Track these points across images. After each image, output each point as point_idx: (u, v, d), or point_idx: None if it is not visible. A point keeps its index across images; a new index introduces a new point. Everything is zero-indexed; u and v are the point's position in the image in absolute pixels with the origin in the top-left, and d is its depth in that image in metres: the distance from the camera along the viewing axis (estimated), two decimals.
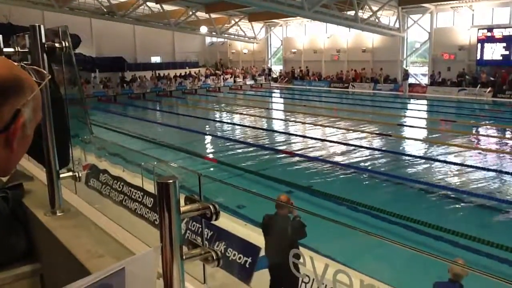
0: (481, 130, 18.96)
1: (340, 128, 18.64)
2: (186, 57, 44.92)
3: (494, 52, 28.45)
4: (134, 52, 41.89)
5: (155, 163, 2.20)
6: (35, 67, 1.17)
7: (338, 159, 13.59)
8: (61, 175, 2.44)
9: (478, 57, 29.29)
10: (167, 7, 34.77)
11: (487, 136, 17.59)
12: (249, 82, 40.95)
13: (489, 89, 28.13)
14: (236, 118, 23.35)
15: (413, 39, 34.40)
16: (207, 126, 20.93)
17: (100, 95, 32.51)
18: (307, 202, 9.44)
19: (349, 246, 5.39)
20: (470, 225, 8.39)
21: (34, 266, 2.34)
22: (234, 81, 40.55)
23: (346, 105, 28.62)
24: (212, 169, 12.86)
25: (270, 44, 45.39)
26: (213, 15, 37.60)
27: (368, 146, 15.28)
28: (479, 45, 28.96)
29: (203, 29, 38.42)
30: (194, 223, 2.17)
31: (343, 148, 15.11)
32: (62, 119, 2.41)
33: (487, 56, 28.84)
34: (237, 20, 40.42)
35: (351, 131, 17.94)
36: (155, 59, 43.62)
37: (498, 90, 27.93)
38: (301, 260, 1.39)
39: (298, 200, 9.12)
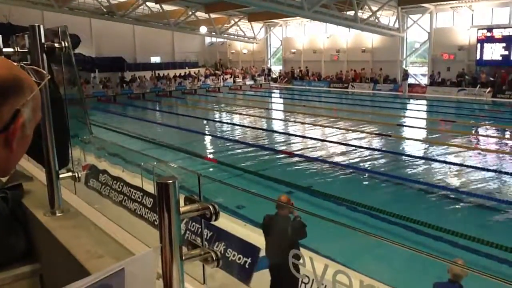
0: (481, 130, 18.97)
1: (339, 128, 18.64)
2: (186, 57, 44.93)
3: (493, 52, 28.47)
4: (133, 52, 41.89)
5: (155, 163, 2.20)
6: (34, 67, 1.17)
7: (337, 159, 13.59)
8: (61, 176, 2.44)
9: (478, 57, 29.30)
10: (167, 7, 34.77)
11: (487, 136, 17.60)
12: (249, 82, 40.96)
13: (489, 89, 28.15)
14: (236, 118, 23.35)
15: (413, 39, 34.43)
16: (207, 126, 20.94)
17: (99, 95, 32.51)
18: (307, 203, 9.44)
19: (349, 247, 5.39)
20: (469, 225, 8.40)
21: (34, 267, 2.33)
22: (234, 81, 40.56)
23: (345, 105, 28.64)
24: (211, 169, 12.86)
25: (270, 44, 45.41)
26: (213, 15, 37.61)
27: (367, 146, 15.29)
28: (478, 45, 28.99)
29: (203, 29, 38.42)
30: (193, 223, 2.16)
31: (343, 148, 15.11)
32: (61, 119, 2.40)
33: (487, 56, 28.86)
34: (236, 20, 40.42)
35: (351, 131, 17.94)
36: (155, 59, 43.63)
37: (498, 90, 27.95)
38: (301, 260, 1.39)
39: (298, 201, 9.13)
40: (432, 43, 32.24)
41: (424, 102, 28.94)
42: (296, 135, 17.88)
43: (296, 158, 13.74)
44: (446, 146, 14.95)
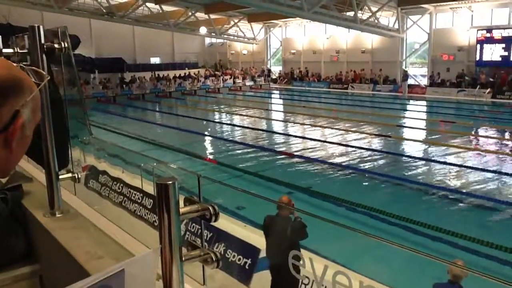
0: (481, 131, 18.98)
1: (339, 129, 18.64)
2: (186, 58, 44.95)
3: (493, 53, 28.49)
4: (133, 53, 41.90)
5: (155, 164, 2.20)
6: (34, 68, 1.17)
7: (337, 160, 13.59)
8: (61, 176, 2.43)
9: (477, 58, 29.32)
10: (167, 8, 34.77)
11: (486, 137, 17.61)
12: (249, 83, 40.99)
13: (488, 90, 28.17)
14: (236, 119, 23.36)
15: (413, 40, 34.45)
16: (207, 127, 20.94)
17: (99, 96, 32.53)
18: (307, 203, 9.44)
19: (349, 247, 5.39)
20: (469, 226, 8.39)
21: (34, 267, 2.33)
22: (234, 82, 40.59)
23: (345, 106, 28.64)
24: (211, 170, 12.86)
25: (270, 45, 45.43)
26: (213, 16, 37.61)
27: (367, 147, 15.29)
28: (478, 46, 29.00)
29: (203, 30, 38.44)
30: (193, 224, 2.16)
31: (343, 149, 15.11)
32: (61, 120, 2.41)
33: (486, 57, 28.88)
34: (236, 21, 40.44)
35: (351, 132, 17.94)
36: (155, 60, 43.65)
37: (497, 91, 27.96)
38: (301, 261, 1.39)
39: (298, 201, 9.13)
40: (432, 44, 32.26)
41: (424, 103, 28.95)
42: (296, 136, 17.88)
43: (296, 159, 13.74)
44: (445, 147, 14.94)
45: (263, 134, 18.59)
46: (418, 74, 34.74)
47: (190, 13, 35.77)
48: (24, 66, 1.14)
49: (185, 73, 40.49)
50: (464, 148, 14.90)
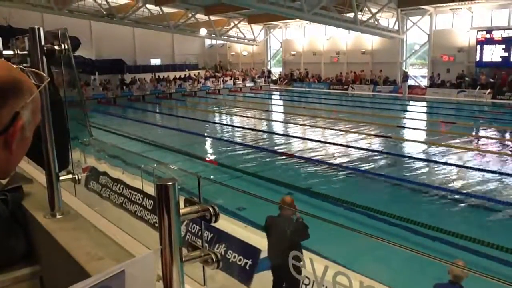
0: (481, 132, 18.97)
1: (339, 130, 18.64)
2: (186, 59, 44.99)
3: (493, 53, 28.50)
4: (133, 54, 41.94)
5: (155, 165, 2.20)
6: (34, 69, 1.18)
7: (337, 160, 13.59)
8: (61, 178, 2.43)
9: (478, 59, 29.33)
10: (167, 10, 34.80)
11: (487, 137, 17.60)
12: (249, 84, 41.00)
13: (489, 90, 28.17)
14: (236, 120, 23.36)
15: (413, 41, 34.47)
16: (207, 128, 20.94)
17: (99, 97, 32.55)
18: (307, 204, 9.43)
19: (349, 248, 5.39)
20: (469, 226, 8.39)
21: (34, 269, 2.33)
22: (234, 83, 40.62)
23: (345, 107, 28.64)
24: (212, 171, 12.86)
25: (270, 46, 45.47)
26: (213, 18, 37.64)
27: (367, 147, 15.29)
28: (478, 47, 29.02)
29: (203, 31, 38.48)
30: (194, 225, 2.17)
31: (343, 149, 15.11)
32: (61, 122, 2.41)
33: (486, 58, 28.89)
34: (236, 22, 40.48)
35: (351, 133, 17.94)
36: (155, 62, 43.68)
37: (498, 92, 27.96)
38: (301, 262, 1.39)
39: (298, 202, 9.12)
40: (432, 45, 32.28)
41: (424, 103, 28.95)
42: (296, 137, 17.87)
43: (296, 160, 13.74)
44: (446, 148, 14.94)
45: (264, 135, 18.59)
46: (418, 75, 34.74)
47: (190, 15, 35.80)
48: (24, 68, 1.14)
49: (185, 75, 40.53)
50: (464, 148, 14.89)
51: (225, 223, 5.37)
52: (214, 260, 1.45)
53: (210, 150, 16.79)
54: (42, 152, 2.30)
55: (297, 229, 4.49)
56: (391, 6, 30.51)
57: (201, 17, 36.96)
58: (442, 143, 15.64)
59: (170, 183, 1.21)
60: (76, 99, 3.01)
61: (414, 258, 1.36)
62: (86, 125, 2.99)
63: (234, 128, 21.09)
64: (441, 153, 14.32)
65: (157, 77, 38.62)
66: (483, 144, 16.18)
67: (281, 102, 34.85)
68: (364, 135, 17.47)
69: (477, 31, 29.07)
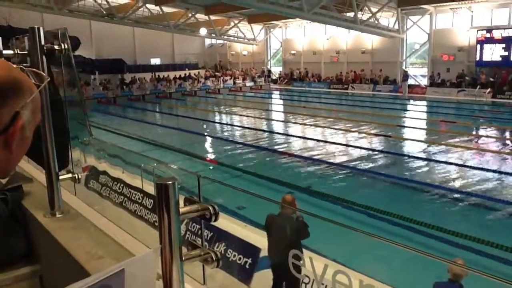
0: (481, 131, 18.97)
1: (339, 129, 18.64)
2: (186, 59, 44.98)
3: (493, 53, 28.49)
4: (133, 54, 41.93)
5: (155, 164, 2.21)
6: (34, 69, 1.18)
7: (337, 160, 13.59)
8: (61, 177, 2.44)
9: (478, 58, 29.32)
10: (167, 9, 34.79)
11: (487, 136, 17.60)
12: (249, 83, 41.00)
13: (489, 90, 28.16)
14: (236, 120, 23.36)
15: (413, 41, 34.46)
16: (207, 128, 20.94)
17: (99, 97, 32.55)
18: (307, 203, 9.44)
19: (349, 247, 5.39)
20: (469, 225, 8.39)
21: (34, 268, 2.34)
22: (234, 83, 40.61)
23: (345, 106, 28.64)
24: (212, 170, 12.87)
25: (270, 46, 45.45)
26: (213, 17, 37.63)
27: (367, 147, 15.29)
28: (478, 46, 29.01)
29: (203, 31, 38.46)
30: (194, 224, 2.17)
31: (343, 149, 15.12)
32: (61, 121, 2.41)
33: (487, 57, 28.88)
34: (236, 22, 40.46)
35: (351, 132, 17.95)
36: (155, 61, 43.67)
37: (498, 91, 27.96)
38: (301, 261, 1.39)
39: (298, 201, 9.12)
40: (432, 44, 32.27)
41: (424, 103, 28.95)
42: (296, 136, 17.88)
43: (296, 159, 13.74)
44: (446, 147, 14.95)
45: (264, 134, 18.60)
46: (418, 74, 34.74)
47: (190, 15, 35.79)
48: (24, 68, 1.14)
49: (185, 74, 40.52)
50: (464, 147, 14.89)
51: (225, 222, 5.37)
52: (214, 259, 1.45)
53: (210, 150, 16.79)
54: (42, 151, 2.30)
55: (297, 228, 4.50)
56: (391, 5, 30.50)
57: (201, 16, 36.94)
58: (442, 142, 15.65)
59: (170, 182, 1.22)
60: (76, 98, 3.01)
61: (413, 256, 1.36)
62: (86, 125, 3.00)
63: (234, 127, 21.09)
64: (441, 152, 14.32)
65: (157, 76, 38.62)
66: (483, 143, 16.18)
67: (281, 102, 34.85)
68: (364, 134, 17.48)
69: (477, 30, 29.06)
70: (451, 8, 30.28)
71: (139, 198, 2.33)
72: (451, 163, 12.91)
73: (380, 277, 3.99)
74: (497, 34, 28.20)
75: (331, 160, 13.44)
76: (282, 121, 22.76)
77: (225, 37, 42.31)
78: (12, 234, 2.36)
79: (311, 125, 20.30)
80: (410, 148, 15.52)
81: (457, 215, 9.28)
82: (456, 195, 10.20)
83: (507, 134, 18.27)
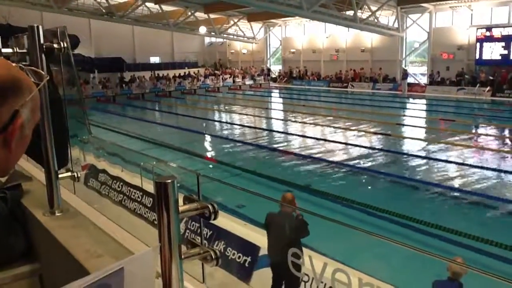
0: (480, 129, 18.98)
1: (339, 128, 18.65)
2: (185, 57, 44.94)
3: (493, 51, 28.49)
4: (133, 52, 41.88)
5: (154, 163, 2.21)
6: (33, 68, 1.17)
7: (337, 158, 13.60)
8: (60, 175, 2.44)
9: (477, 57, 29.32)
10: (166, 8, 34.76)
11: (486, 135, 17.61)
12: (248, 82, 40.97)
13: (488, 88, 28.17)
14: (235, 118, 23.36)
15: (412, 39, 34.44)
16: (206, 126, 20.93)
17: (99, 95, 32.52)
18: (306, 201, 9.44)
19: (349, 245, 5.39)
20: (469, 223, 8.40)
21: (33, 266, 2.34)
22: (233, 81, 40.57)
23: (345, 104, 28.64)
24: (211, 169, 12.87)
25: (269, 44, 45.41)
26: (212, 16, 37.60)
27: (367, 145, 15.30)
28: (478, 44, 29.00)
29: (202, 30, 38.41)
30: (193, 222, 2.17)
31: (342, 147, 15.13)
32: (60, 120, 2.41)
33: (486, 56, 28.87)
34: (236, 20, 40.42)
35: (350, 131, 17.95)
36: (154, 60, 43.63)
37: (497, 89, 27.96)
38: (300, 259, 1.39)
39: (297, 200, 9.12)
40: (432, 42, 32.26)
41: (424, 101, 28.96)
42: (295, 135, 17.88)
43: (296, 157, 13.74)
44: (445, 145, 14.95)
45: (263, 133, 18.60)
46: (418, 73, 34.76)
47: (189, 13, 35.75)
48: (23, 66, 1.14)
49: (184, 73, 40.47)
50: (463, 146, 14.90)
51: (224, 221, 5.37)
52: (213, 257, 1.45)
53: (209, 148, 16.79)
54: (42, 150, 2.30)
55: (297, 226, 4.50)
56: (391, 4, 30.50)
57: (200, 15, 36.90)
58: (441, 141, 15.66)
59: (169, 181, 1.22)
60: (76, 97, 3.01)
61: (413, 255, 1.37)
62: (85, 123, 3.00)
63: (234, 126, 21.09)
64: (440, 151, 14.33)
65: (156, 75, 38.57)
66: (482, 142, 16.18)
67: (280, 100, 34.84)
68: (363, 133, 17.48)
69: (477, 28, 29.05)
70: (450, 7, 30.29)
71: (138, 197, 2.33)
72: (450, 162, 12.92)
73: (379, 275, 3.99)
74: (496, 32, 28.20)
75: (331, 159, 13.45)
76: (282, 120, 22.76)
77: (225, 35, 42.27)
78: (11, 233, 2.36)
79: (310, 123, 20.29)
80: (409, 146, 15.52)
81: (457, 214, 9.29)
82: (455, 194, 10.22)
83: (507, 133, 18.27)
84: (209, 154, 15.12)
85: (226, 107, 28.50)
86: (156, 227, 1.28)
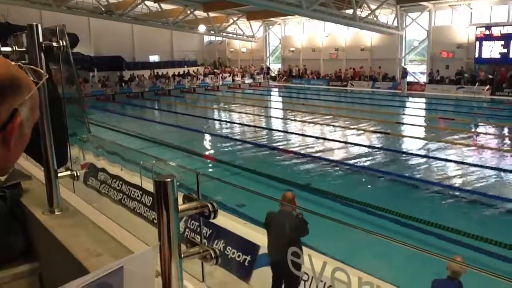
0: (480, 128, 18.99)
1: (338, 126, 18.65)
2: (185, 56, 44.92)
3: (492, 50, 28.48)
4: (132, 51, 41.85)
5: (154, 162, 2.20)
6: (32, 66, 1.17)
7: (336, 157, 13.60)
8: (59, 174, 2.43)
9: (477, 55, 29.31)
10: (165, 6, 34.72)
11: (486, 133, 17.62)
12: (248, 80, 40.94)
13: (488, 87, 28.17)
14: (235, 117, 23.35)
15: (412, 38, 34.44)
16: (206, 125, 20.93)
17: (98, 94, 32.49)
18: (306, 200, 9.44)
19: (348, 244, 5.40)
20: (468, 222, 8.41)
21: (33, 265, 2.34)
22: (233, 80, 40.56)
23: (344, 103, 28.63)
24: (210, 167, 12.86)
25: (269, 43, 45.38)
26: (211, 14, 37.56)
27: (366, 144, 15.30)
28: (477, 43, 28.99)
29: (202, 28, 38.38)
30: (193, 221, 2.17)
31: (342, 146, 15.13)
32: (60, 118, 2.41)
33: (486, 54, 28.86)
34: (235, 18, 40.37)
35: (350, 129, 17.95)
36: (154, 58, 43.59)
37: (497, 88, 27.97)
38: (300, 258, 1.39)
39: (297, 198, 9.13)
40: (431, 41, 32.26)
41: (423, 100, 28.95)
42: (295, 133, 17.88)
43: (295, 156, 13.74)
44: (444, 144, 14.96)
45: (262, 132, 18.60)
46: (417, 71, 34.74)
47: (189, 11, 35.72)
48: (22, 65, 1.14)
49: (184, 71, 40.45)
50: (463, 144, 14.90)
51: (224, 220, 5.37)
52: (213, 256, 1.45)
53: (209, 147, 16.79)
54: (41, 148, 2.30)
55: (297, 225, 4.50)
56: (390, 2, 30.49)
57: (199, 13, 36.87)
58: (441, 139, 15.66)
59: (168, 180, 1.22)
60: (75, 96, 3.01)
61: (413, 254, 1.36)
62: (84, 122, 2.99)
63: (233, 124, 21.08)
64: (440, 149, 14.34)
65: (156, 73, 38.54)
66: (482, 140, 16.19)
67: (280, 99, 34.83)
68: (363, 131, 17.48)
69: (476, 27, 29.04)
70: (450, 5, 30.29)
71: (138, 195, 2.32)
72: (450, 160, 12.93)
73: (379, 274, 3.99)
74: (496, 31, 28.19)
75: (330, 157, 13.45)
76: (281, 118, 22.76)
77: (224, 34, 42.24)
78: (11, 232, 2.36)
79: (310, 122, 20.29)
80: (408, 145, 15.53)
81: (456, 212, 9.30)
82: (455, 192, 10.22)
83: (506, 131, 18.28)
84: (208, 153, 15.12)
85: (226, 106, 28.50)
86: (156, 226, 1.28)
